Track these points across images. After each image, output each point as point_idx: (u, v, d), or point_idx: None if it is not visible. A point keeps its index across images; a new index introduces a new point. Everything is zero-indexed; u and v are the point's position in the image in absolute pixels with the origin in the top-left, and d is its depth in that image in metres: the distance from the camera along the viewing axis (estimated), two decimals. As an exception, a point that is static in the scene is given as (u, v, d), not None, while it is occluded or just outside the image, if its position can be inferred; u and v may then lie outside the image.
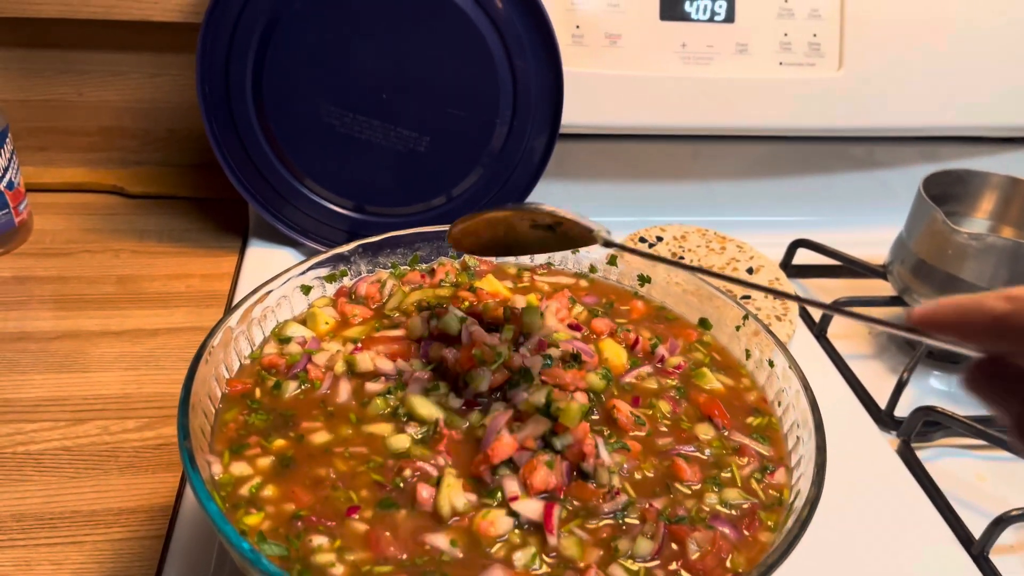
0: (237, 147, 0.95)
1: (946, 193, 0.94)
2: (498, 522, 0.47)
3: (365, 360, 0.56)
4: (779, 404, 0.57)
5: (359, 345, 0.59)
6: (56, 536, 0.64)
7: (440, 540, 0.46)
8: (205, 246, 1.01)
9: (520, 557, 0.46)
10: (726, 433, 0.56)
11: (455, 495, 0.47)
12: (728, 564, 0.46)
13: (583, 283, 0.71)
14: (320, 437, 0.52)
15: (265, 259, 0.98)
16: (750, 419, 0.57)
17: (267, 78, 0.91)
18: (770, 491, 0.52)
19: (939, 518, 0.73)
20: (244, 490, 0.48)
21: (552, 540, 0.47)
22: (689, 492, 0.51)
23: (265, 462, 0.50)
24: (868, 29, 1.01)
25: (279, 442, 0.51)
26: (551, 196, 1.09)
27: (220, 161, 0.95)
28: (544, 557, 0.46)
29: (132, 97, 1.10)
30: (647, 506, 0.49)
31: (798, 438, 0.53)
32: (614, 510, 0.49)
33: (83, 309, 0.89)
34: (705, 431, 0.56)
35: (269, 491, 0.48)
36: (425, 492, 0.48)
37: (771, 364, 0.59)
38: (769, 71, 1.00)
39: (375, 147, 0.96)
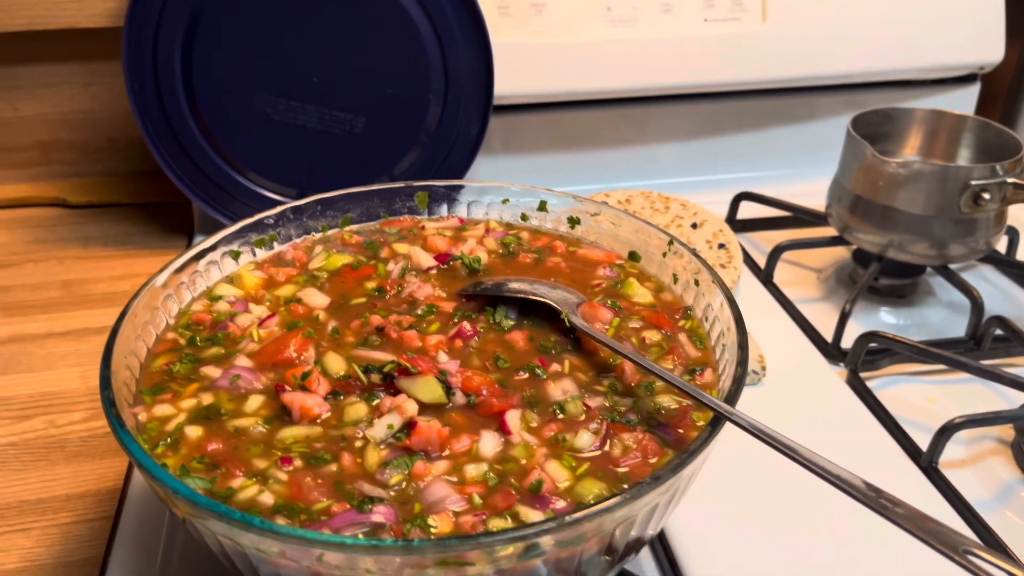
0: (174, 145, 0.95)
1: (876, 132, 0.96)
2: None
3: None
4: (707, 319, 0.58)
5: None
6: (2, 525, 0.64)
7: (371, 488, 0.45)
8: (150, 248, 1.01)
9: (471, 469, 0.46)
10: (668, 334, 0.57)
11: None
12: (653, 463, 0.47)
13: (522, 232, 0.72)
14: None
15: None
16: (682, 322, 0.59)
17: (196, 72, 0.92)
18: (702, 390, 0.52)
19: (888, 437, 0.74)
20: (169, 427, 0.49)
21: (515, 439, 0.48)
22: (620, 391, 0.52)
23: (189, 403, 0.50)
24: (788, -19, 1.03)
25: (193, 387, 0.51)
26: (496, 171, 1.10)
27: (158, 160, 0.95)
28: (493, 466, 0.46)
29: (68, 108, 1.09)
30: (584, 406, 0.50)
31: (724, 346, 0.54)
32: (562, 399, 0.50)
33: (28, 314, 0.88)
34: (652, 335, 0.58)
35: (192, 432, 0.48)
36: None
37: (696, 283, 0.60)
38: (695, 28, 1.02)
39: (311, 132, 0.96)
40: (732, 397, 0.47)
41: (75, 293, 0.92)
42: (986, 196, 0.84)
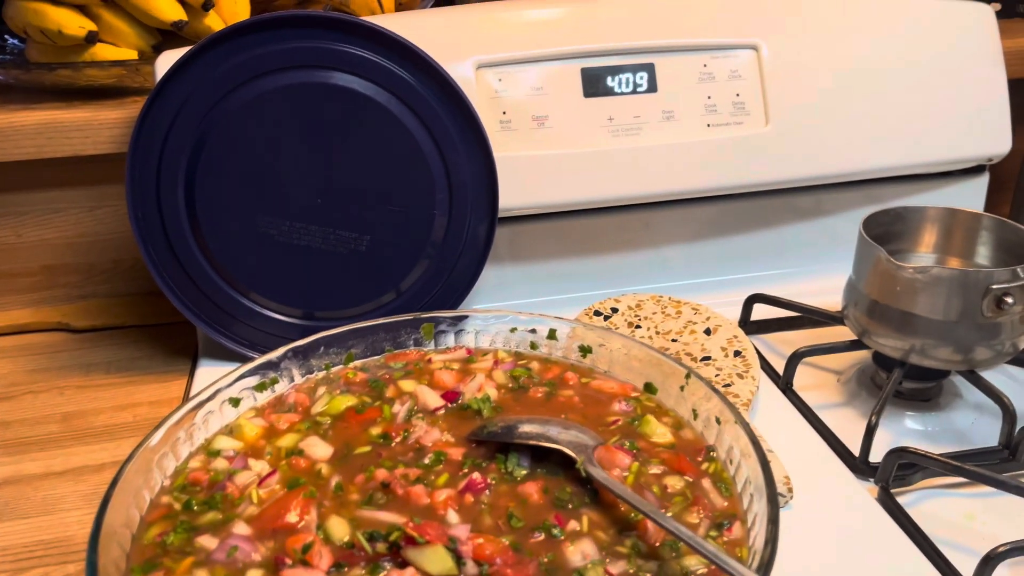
0: (177, 269, 0.94)
1: (888, 232, 0.94)
2: None
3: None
4: (731, 462, 0.55)
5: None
6: None
7: None
8: (153, 372, 0.99)
9: None
10: (691, 480, 0.54)
11: None
12: (686, 641, 0.43)
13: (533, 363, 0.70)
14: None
15: (215, 378, 0.95)
16: (704, 465, 0.55)
17: (199, 198, 0.91)
18: (731, 550, 0.49)
19: (928, 564, 0.70)
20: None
21: None
22: (643, 552, 0.49)
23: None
24: (789, 83, 1.03)
25: (187, 562, 0.48)
26: (504, 280, 1.08)
27: (160, 285, 0.94)
28: None
29: (73, 232, 1.09)
30: (607, 574, 0.47)
31: (751, 495, 0.51)
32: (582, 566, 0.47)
33: (26, 452, 0.86)
34: (675, 483, 0.54)
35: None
36: None
37: (718, 422, 0.57)
38: (698, 134, 1.01)
39: (316, 252, 0.95)
40: (766, 566, 0.43)
41: (75, 427, 0.90)
42: (1009, 300, 0.81)
